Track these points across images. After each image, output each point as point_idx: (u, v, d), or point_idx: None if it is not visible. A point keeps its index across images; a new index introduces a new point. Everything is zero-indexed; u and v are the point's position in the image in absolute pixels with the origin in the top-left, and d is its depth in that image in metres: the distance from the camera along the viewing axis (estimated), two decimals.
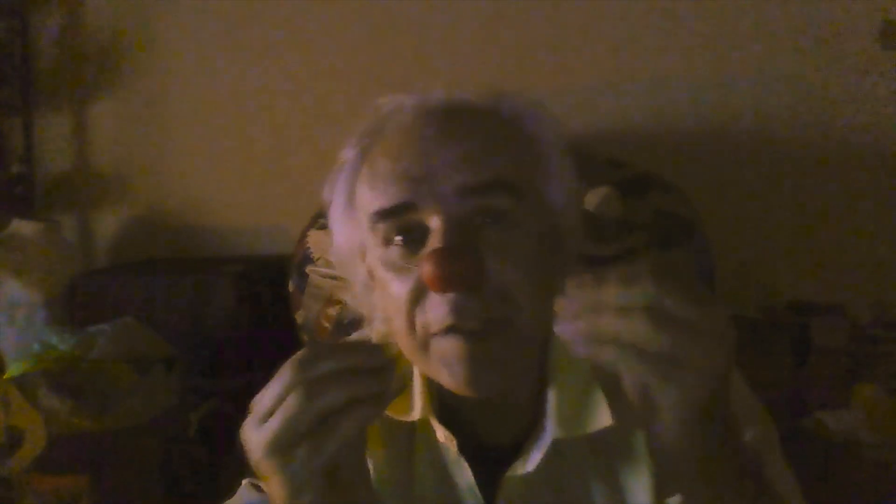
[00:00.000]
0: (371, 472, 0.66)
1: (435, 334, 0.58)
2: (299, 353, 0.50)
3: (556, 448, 0.62)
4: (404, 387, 0.67)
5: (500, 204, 0.58)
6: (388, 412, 0.65)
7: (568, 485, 0.65)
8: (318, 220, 1.56)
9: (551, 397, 0.63)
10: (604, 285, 0.45)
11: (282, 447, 0.48)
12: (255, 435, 0.50)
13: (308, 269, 1.53)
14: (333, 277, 1.49)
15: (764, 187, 1.80)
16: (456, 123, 0.61)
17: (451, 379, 0.58)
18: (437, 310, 0.57)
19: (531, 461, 0.62)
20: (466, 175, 0.57)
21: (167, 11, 2.12)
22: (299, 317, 1.56)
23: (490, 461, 0.65)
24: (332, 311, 1.48)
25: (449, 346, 0.57)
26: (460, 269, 0.54)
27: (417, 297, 0.58)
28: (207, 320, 1.70)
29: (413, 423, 0.67)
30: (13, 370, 1.41)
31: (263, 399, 0.50)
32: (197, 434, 1.44)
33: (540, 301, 0.58)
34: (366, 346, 0.51)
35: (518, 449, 0.65)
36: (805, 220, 1.78)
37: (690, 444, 0.47)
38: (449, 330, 0.57)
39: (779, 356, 1.51)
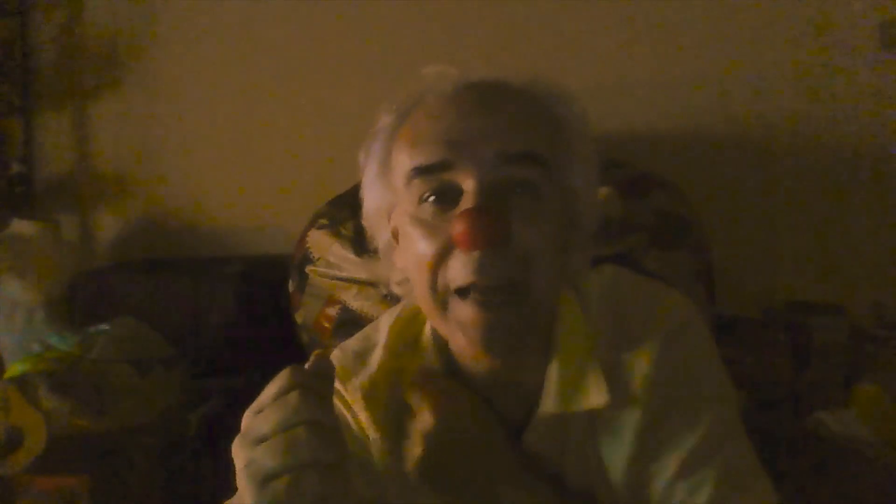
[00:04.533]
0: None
1: (455, 292, 0.60)
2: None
3: (553, 420, 0.65)
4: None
5: (531, 175, 0.61)
6: (404, 396, 0.69)
7: (560, 451, 0.68)
8: (318, 220, 1.56)
9: (552, 372, 0.65)
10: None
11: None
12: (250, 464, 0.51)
13: (308, 269, 1.53)
14: (333, 277, 1.49)
15: (764, 187, 1.80)
16: (495, 95, 0.65)
17: (466, 340, 0.61)
18: (461, 267, 0.59)
19: (528, 430, 0.66)
20: (504, 143, 0.61)
21: (167, 11, 2.12)
22: (299, 317, 1.56)
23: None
24: (332, 311, 1.48)
25: (466, 310, 0.60)
26: (489, 229, 0.57)
27: (443, 255, 0.61)
28: (207, 320, 1.70)
29: None
30: (13, 370, 1.41)
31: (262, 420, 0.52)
32: (197, 434, 1.44)
33: (555, 270, 0.63)
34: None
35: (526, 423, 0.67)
36: (805, 220, 1.78)
37: None
38: (469, 289, 0.59)
39: (779, 356, 1.51)
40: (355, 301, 1.44)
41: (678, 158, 1.80)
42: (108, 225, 2.21)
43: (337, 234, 1.50)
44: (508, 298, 0.59)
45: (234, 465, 0.53)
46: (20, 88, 2.16)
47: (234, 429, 0.54)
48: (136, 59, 2.15)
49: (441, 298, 0.62)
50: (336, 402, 0.72)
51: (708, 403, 0.64)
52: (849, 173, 1.75)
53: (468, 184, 0.60)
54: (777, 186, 1.79)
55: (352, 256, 1.46)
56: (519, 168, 0.61)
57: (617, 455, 0.65)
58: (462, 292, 0.60)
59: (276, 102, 2.07)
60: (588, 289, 0.69)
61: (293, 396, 0.51)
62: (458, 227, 0.57)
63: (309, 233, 1.56)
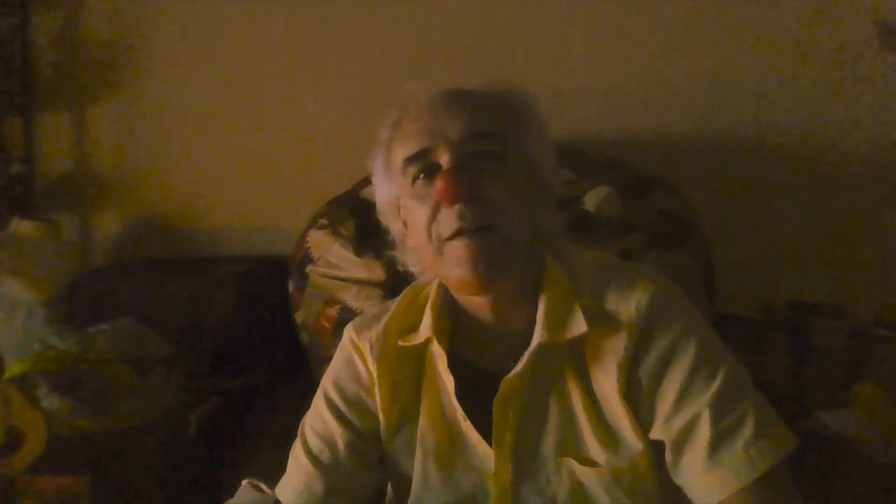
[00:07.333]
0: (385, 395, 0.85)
1: (447, 240, 0.77)
2: None
3: (542, 351, 0.78)
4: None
5: (491, 147, 0.79)
6: (401, 342, 0.86)
7: (549, 380, 0.80)
8: (318, 220, 1.57)
9: (541, 309, 0.80)
10: None
11: None
12: None
13: (308, 269, 1.53)
14: (333, 277, 1.49)
15: (764, 187, 1.80)
16: (461, 96, 0.83)
17: (460, 271, 0.77)
18: (447, 219, 0.77)
19: (521, 362, 0.79)
20: (468, 125, 0.79)
21: (167, 12, 2.12)
22: (299, 317, 1.56)
23: (485, 385, 0.79)
24: (332, 311, 1.48)
25: (457, 247, 0.77)
26: (462, 184, 0.75)
27: (434, 213, 0.78)
28: (207, 320, 1.70)
29: (422, 345, 0.85)
30: (13, 370, 1.41)
31: None
32: (197, 434, 1.44)
33: (522, 215, 0.79)
34: None
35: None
36: (805, 220, 1.78)
37: None
38: (456, 234, 0.76)
39: (779, 356, 1.51)
40: (355, 301, 1.44)
41: (678, 158, 1.80)
42: (108, 225, 2.21)
43: (337, 234, 1.50)
44: (485, 233, 0.76)
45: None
46: (20, 89, 2.16)
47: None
48: (136, 60, 2.15)
49: (437, 247, 0.78)
50: (351, 348, 0.88)
51: (714, 358, 0.75)
52: (849, 173, 1.75)
53: (444, 158, 0.78)
54: (777, 186, 1.79)
55: (352, 256, 1.46)
56: (482, 142, 0.79)
57: (607, 380, 0.77)
58: (451, 238, 0.77)
59: (275, 103, 2.07)
60: (573, 260, 0.84)
61: None
62: (439, 186, 0.75)
63: (309, 233, 1.56)
